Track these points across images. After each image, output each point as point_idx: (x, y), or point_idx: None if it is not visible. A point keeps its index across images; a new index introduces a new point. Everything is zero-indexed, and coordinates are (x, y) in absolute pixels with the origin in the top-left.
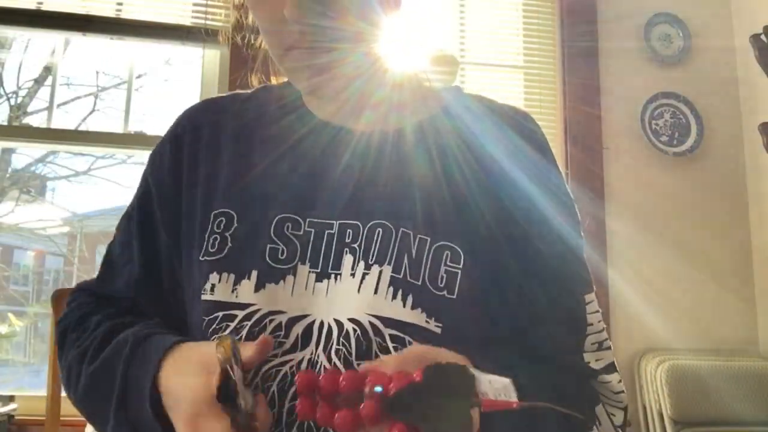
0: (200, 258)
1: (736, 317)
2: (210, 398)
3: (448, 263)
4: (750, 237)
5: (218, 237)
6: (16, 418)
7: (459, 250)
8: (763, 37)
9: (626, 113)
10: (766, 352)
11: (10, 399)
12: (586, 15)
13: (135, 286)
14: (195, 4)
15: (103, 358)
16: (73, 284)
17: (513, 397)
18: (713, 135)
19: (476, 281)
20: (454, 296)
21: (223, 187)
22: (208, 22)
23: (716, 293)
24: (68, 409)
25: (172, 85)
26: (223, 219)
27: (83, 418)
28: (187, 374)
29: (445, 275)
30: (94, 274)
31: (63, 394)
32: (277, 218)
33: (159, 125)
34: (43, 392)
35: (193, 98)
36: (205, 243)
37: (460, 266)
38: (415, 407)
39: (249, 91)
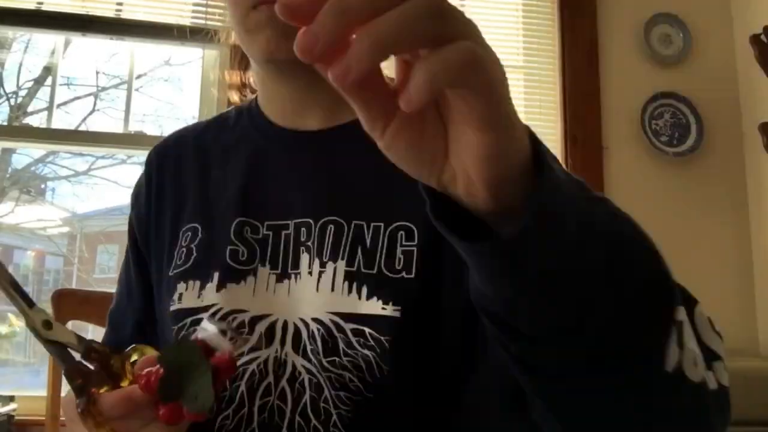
0: (170, 273)
1: (736, 317)
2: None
3: (403, 243)
4: (750, 237)
5: (185, 250)
6: (16, 418)
7: (412, 227)
8: (763, 37)
9: (626, 113)
10: (766, 352)
11: (10, 399)
12: (586, 15)
13: (138, 328)
14: (195, 4)
15: None
16: (74, 284)
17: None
18: (713, 135)
19: (431, 254)
20: (413, 275)
21: (189, 205)
22: (208, 22)
23: (716, 293)
24: None
25: (172, 85)
26: (190, 233)
27: None
28: None
29: (402, 256)
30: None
31: (63, 394)
32: (236, 221)
33: (159, 125)
34: (43, 392)
35: (193, 98)
36: (174, 258)
37: (415, 243)
38: (175, 389)
39: (210, 119)
